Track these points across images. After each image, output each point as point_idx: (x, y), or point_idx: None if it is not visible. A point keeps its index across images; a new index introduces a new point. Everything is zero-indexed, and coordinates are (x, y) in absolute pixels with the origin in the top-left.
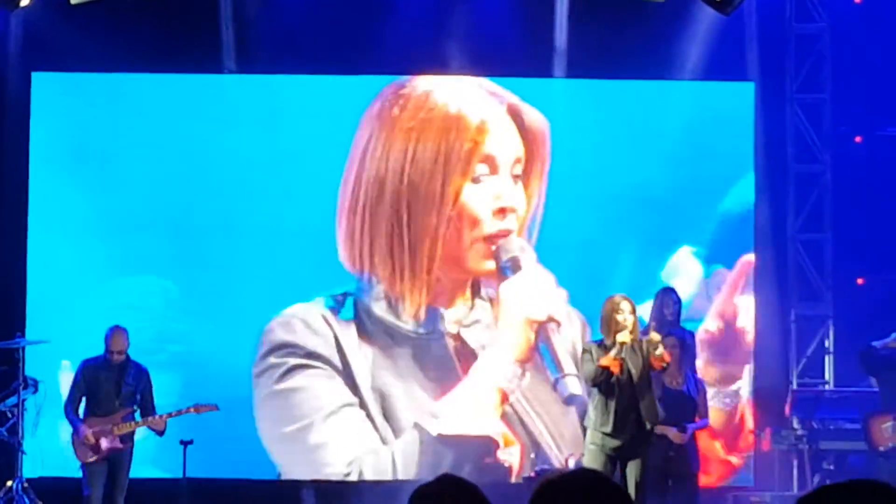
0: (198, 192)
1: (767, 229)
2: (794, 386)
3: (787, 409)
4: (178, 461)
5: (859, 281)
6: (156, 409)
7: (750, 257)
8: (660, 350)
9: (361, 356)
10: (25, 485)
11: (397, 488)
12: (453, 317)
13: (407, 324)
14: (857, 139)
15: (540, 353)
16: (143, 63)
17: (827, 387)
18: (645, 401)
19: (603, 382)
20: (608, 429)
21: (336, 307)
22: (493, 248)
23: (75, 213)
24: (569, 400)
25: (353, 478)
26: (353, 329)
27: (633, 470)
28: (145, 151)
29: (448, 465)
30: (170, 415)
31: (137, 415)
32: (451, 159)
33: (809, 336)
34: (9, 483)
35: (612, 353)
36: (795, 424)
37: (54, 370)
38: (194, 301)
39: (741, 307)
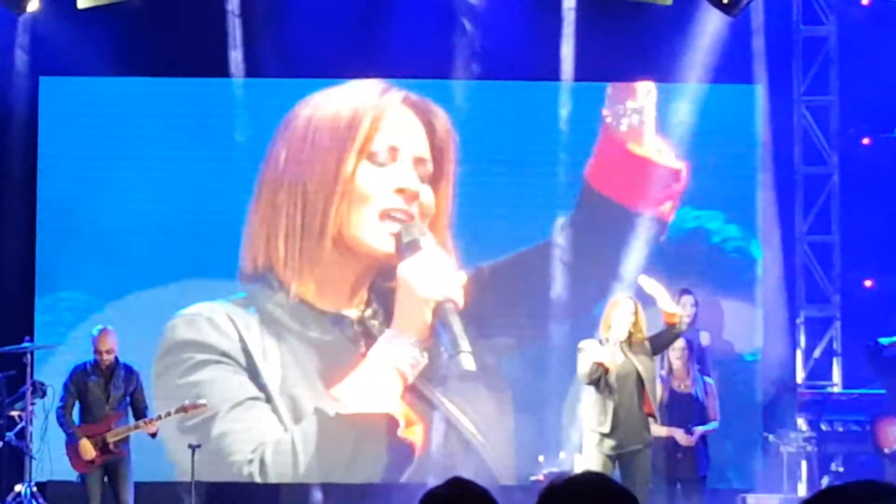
0: (206, 195)
1: (775, 231)
2: (802, 388)
3: (795, 411)
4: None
5: (867, 283)
6: (148, 408)
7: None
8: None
9: (267, 354)
10: (34, 489)
11: (413, 491)
12: (356, 312)
13: (312, 325)
14: (865, 141)
15: (437, 332)
16: (151, 67)
17: (835, 389)
18: (649, 394)
19: (598, 380)
20: (606, 429)
21: (241, 306)
22: (395, 231)
23: (82, 216)
24: (462, 376)
25: (256, 466)
26: (257, 327)
27: (631, 470)
28: (153, 155)
29: (348, 445)
30: (160, 417)
31: (130, 418)
32: (346, 136)
33: (817, 338)
34: (18, 487)
35: (607, 350)
36: (803, 426)
37: (63, 374)
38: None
39: None
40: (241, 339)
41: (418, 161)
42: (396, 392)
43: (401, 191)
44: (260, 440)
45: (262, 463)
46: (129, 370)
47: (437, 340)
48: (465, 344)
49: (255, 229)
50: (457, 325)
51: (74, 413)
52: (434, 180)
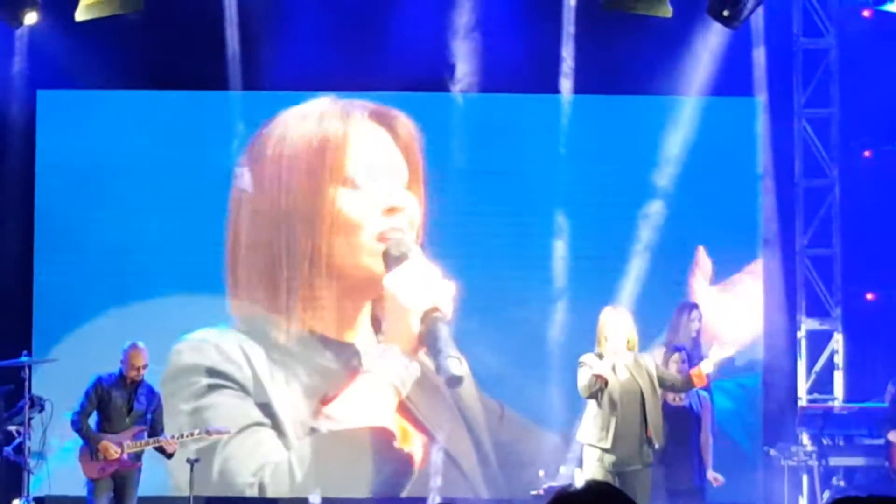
0: (203, 209)
1: (776, 244)
2: (804, 402)
3: (796, 425)
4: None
5: (869, 296)
6: (164, 431)
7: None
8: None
9: (275, 380)
10: None
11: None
12: (360, 339)
13: (316, 352)
14: (866, 154)
15: (425, 341)
16: (149, 80)
17: (836, 402)
18: (652, 417)
19: (597, 394)
20: (607, 444)
21: (245, 333)
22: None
23: (81, 230)
24: (450, 381)
25: (255, 489)
26: (263, 354)
27: (632, 488)
28: (151, 169)
29: (344, 460)
30: (182, 436)
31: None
32: (319, 170)
33: (818, 351)
34: (16, 502)
35: (606, 361)
36: (805, 440)
37: (60, 389)
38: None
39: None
40: (250, 365)
41: (395, 172)
42: (391, 406)
43: (390, 210)
44: (261, 464)
45: (262, 485)
46: (151, 390)
47: (427, 349)
48: (452, 350)
49: (242, 270)
50: (445, 333)
51: (91, 423)
52: (410, 185)
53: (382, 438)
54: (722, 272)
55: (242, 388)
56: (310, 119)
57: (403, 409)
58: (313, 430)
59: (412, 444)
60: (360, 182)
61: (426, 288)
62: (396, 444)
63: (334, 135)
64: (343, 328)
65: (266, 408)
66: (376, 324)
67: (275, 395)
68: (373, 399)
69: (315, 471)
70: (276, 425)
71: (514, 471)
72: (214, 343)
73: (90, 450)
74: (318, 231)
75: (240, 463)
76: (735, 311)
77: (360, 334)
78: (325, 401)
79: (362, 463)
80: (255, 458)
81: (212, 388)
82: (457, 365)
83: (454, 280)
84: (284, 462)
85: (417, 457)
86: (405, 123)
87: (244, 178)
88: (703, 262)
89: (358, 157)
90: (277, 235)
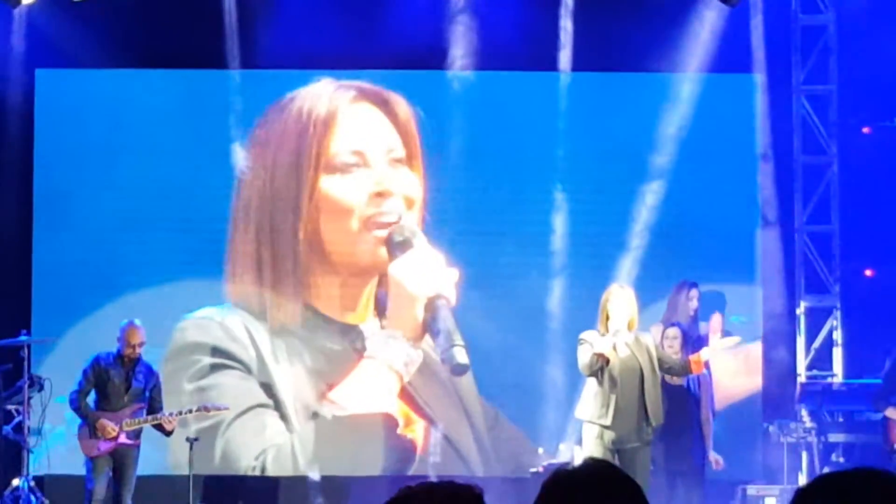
0: (202, 188)
1: (774, 221)
2: (803, 378)
3: (795, 402)
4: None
5: (867, 272)
6: (163, 409)
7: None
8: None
9: (279, 360)
10: (32, 483)
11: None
12: (363, 322)
13: (320, 333)
14: (865, 130)
15: (430, 328)
16: (147, 59)
17: (835, 379)
18: (650, 396)
19: (599, 372)
20: (607, 421)
21: (250, 312)
22: (385, 235)
23: (80, 209)
24: (455, 369)
25: (258, 471)
26: (266, 333)
27: (631, 465)
28: (149, 148)
29: (347, 446)
30: (180, 413)
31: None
32: (302, 155)
33: (817, 328)
34: (15, 481)
35: (607, 340)
36: (804, 417)
37: (59, 368)
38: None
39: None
40: (255, 346)
41: (390, 153)
42: (393, 391)
43: (378, 194)
44: (263, 447)
45: (264, 468)
46: (149, 368)
47: (431, 336)
48: (458, 338)
49: (237, 256)
50: (449, 320)
51: (90, 401)
52: (408, 163)
53: (386, 425)
54: (720, 251)
55: (246, 368)
56: (303, 100)
57: (405, 394)
58: (316, 415)
59: (415, 430)
60: (347, 167)
61: (431, 275)
62: (399, 431)
63: (316, 119)
64: (345, 310)
65: (269, 388)
66: (379, 306)
67: (278, 375)
68: (377, 385)
69: (318, 455)
70: (279, 407)
71: (513, 448)
72: (219, 321)
73: (88, 428)
74: (304, 217)
75: (242, 445)
76: (736, 369)
77: (362, 316)
78: (330, 386)
79: (366, 448)
80: (258, 440)
81: (215, 367)
82: (462, 353)
83: (450, 257)
84: (287, 445)
85: (419, 442)
86: (400, 102)
87: (242, 161)
88: (716, 324)
89: (345, 141)
90: (271, 219)
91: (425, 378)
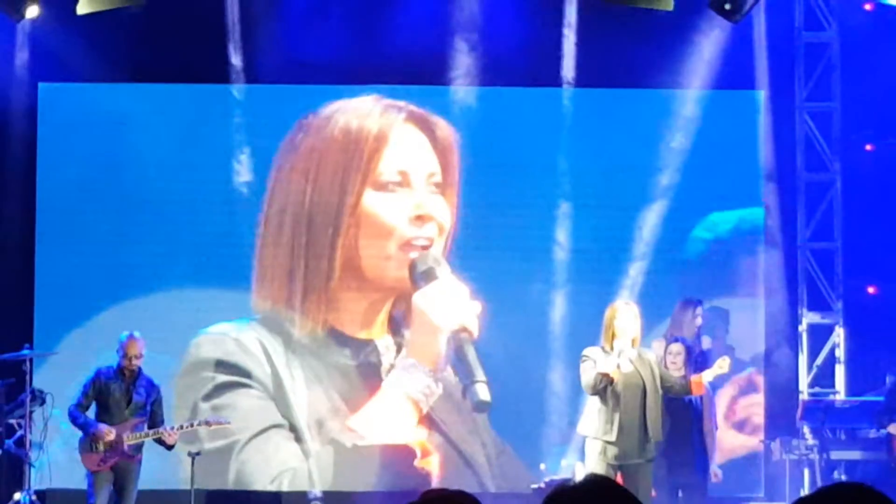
0: (204, 202)
1: (777, 238)
2: (805, 395)
3: (797, 419)
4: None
5: (870, 289)
6: (164, 423)
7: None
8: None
9: (295, 378)
10: (34, 497)
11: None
12: (379, 338)
13: (336, 349)
14: (868, 147)
15: (452, 362)
16: (150, 73)
17: (837, 396)
18: (651, 413)
19: (602, 390)
20: (611, 437)
21: (266, 328)
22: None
23: (83, 223)
24: (477, 406)
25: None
26: (282, 350)
27: (633, 482)
28: (152, 162)
29: (365, 475)
30: (182, 428)
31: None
32: (349, 169)
33: (820, 345)
34: (17, 495)
35: (612, 359)
36: (806, 434)
37: (62, 382)
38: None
39: None
40: (270, 363)
41: (430, 177)
42: (412, 422)
43: (419, 217)
44: (279, 470)
45: (279, 492)
46: (150, 382)
47: (453, 370)
48: (480, 373)
49: (267, 266)
50: (472, 355)
51: (91, 416)
52: (443, 190)
53: (404, 456)
54: (722, 263)
55: (261, 385)
56: (350, 115)
57: (423, 425)
58: (334, 442)
59: (431, 461)
60: (392, 186)
61: (455, 308)
62: (416, 462)
63: (368, 135)
64: (363, 327)
65: (284, 408)
66: (394, 323)
67: (293, 393)
68: (396, 415)
69: (335, 483)
70: (294, 428)
71: (515, 463)
72: (234, 337)
73: (89, 440)
74: (344, 231)
75: (257, 468)
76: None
77: (378, 332)
78: (354, 409)
79: (384, 480)
80: (273, 463)
81: (230, 385)
82: (484, 390)
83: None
84: (304, 469)
85: (435, 472)
86: (445, 130)
87: (276, 171)
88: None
89: (393, 161)
90: (302, 232)
91: (443, 406)
